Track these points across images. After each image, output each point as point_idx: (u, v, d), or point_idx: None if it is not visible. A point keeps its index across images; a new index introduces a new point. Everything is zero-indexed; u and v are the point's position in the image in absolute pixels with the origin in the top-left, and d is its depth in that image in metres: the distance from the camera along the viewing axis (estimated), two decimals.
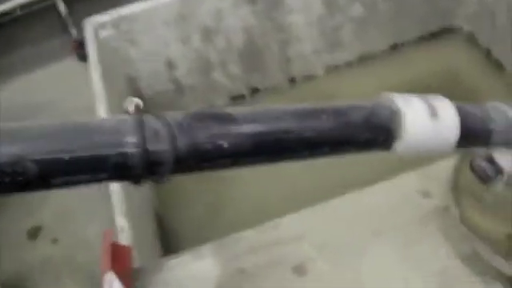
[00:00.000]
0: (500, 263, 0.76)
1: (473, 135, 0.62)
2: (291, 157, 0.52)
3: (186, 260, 0.86)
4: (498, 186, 0.77)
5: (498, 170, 0.75)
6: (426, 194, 0.90)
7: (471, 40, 1.59)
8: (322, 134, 0.51)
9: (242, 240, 0.87)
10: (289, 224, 0.88)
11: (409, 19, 1.52)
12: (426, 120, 0.57)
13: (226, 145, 0.47)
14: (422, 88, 1.24)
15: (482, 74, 1.50)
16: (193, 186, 1.36)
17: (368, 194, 0.91)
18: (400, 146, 0.56)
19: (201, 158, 0.46)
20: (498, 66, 1.50)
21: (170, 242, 1.26)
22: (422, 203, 0.89)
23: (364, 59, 1.57)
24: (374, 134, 0.54)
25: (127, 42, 1.31)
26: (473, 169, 0.77)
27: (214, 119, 0.47)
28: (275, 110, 0.50)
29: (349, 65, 1.56)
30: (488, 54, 1.54)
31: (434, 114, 0.58)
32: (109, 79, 1.27)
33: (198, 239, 0.89)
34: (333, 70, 1.55)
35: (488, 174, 0.76)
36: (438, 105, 0.59)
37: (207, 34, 1.37)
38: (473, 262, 0.81)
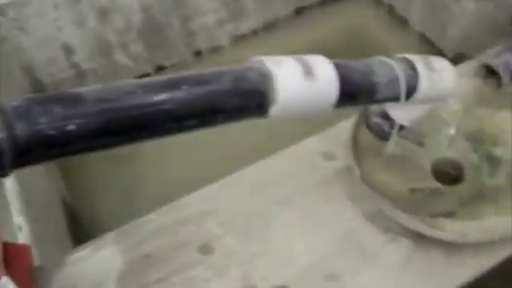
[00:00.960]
0: (404, 219, 0.75)
1: (355, 91, 0.60)
2: (154, 133, 0.48)
3: (89, 252, 0.82)
4: (395, 141, 0.76)
5: (393, 125, 0.74)
6: (329, 157, 0.89)
7: None
8: (183, 105, 0.48)
9: (145, 224, 0.84)
10: (193, 202, 0.86)
11: None
12: (300, 80, 0.55)
13: (73, 128, 0.43)
14: (328, 49, 1.22)
15: (387, 31, 1.50)
16: (104, 170, 1.31)
17: (272, 161, 0.89)
18: (275, 109, 0.54)
19: (47, 146, 0.42)
20: (402, 21, 1.50)
21: (85, 232, 1.21)
22: (326, 166, 0.88)
23: (269, 26, 1.54)
24: (243, 100, 0.52)
25: (17, 29, 1.24)
26: (369, 126, 0.75)
27: (58, 101, 0.43)
28: (127, 85, 0.46)
29: (254, 33, 1.53)
30: (391, 10, 1.54)
31: (308, 72, 0.55)
32: (3, 71, 1.21)
33: (116, 227, 0.85)
34: (238, 39, 1.52)
35: (384, 130, 0.75)
36: (313, 63, 0.57)
37: (103, 14, 1.32)
38: (378, 220, 0.81)
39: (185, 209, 0.84)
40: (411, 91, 0.66)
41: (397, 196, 0.80)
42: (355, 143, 0.81)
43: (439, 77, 0.68)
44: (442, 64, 0.69)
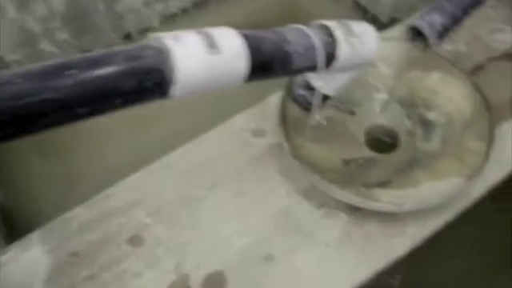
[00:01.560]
0: (337, 192, 0.72)
1: (267, 62, 0.57)
2: (43, 125, 0.44)
3: (13, 253, 0.77)
4: (319, 112, 0.73)
5: (318, 95, 0.70)
6: (259, 133, 0.85)
7: None
8: (70, 92, 0.43)
9: (71, 220, 0.79)
10: (119, 193, 0.81)
11: None
12: (203, 54, 0.51)
13: None
14: (262, 22, 1.18)
15: (321, 3, 1.47)
16: (38, 165, 1.25)
17: (201, 143, 0.86)
18: (177, 88, 0.49)
19: None
20: None
21: (21, 232, 1.15)
22: (257, 143, 0.84)
23: (200, 3, 1.49)
24: (139, 81, 0.47)
25: None
26: (293, 98, 0.72)
27: None
28: (6, 74, 0.42)
29: (185, 11, 1.48)
30: None
31: (212, 46, 0.51)
32: None
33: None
34: (169, 19, 1.46)
35: (309, 102, 0.71)
36: (218, 35, 0.52)
37: (22, 4, 1.25)
38: (313, 195, 0.78)
39: (111, 200, 0.80)
40: (330, 59, 0.63)
41: (329, 169, 0.77)
42: (283, 117, 0.77)
43: (360, 42, 0.65)
44: (362, 28, 0.66)
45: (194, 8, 1.46)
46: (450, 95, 0.82)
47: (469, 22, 0.93)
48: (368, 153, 0.81)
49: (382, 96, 0.84)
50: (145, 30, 1.42)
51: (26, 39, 1.29)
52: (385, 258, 0.73)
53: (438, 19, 0.75)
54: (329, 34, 0.63)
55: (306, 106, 0.72)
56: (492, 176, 0.79)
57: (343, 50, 0.63)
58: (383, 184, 0.75)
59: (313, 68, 0.62)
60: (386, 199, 0.73)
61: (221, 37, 0.53)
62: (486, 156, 0.75)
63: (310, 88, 0.71)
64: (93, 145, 1.26)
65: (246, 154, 0.83)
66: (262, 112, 0.86)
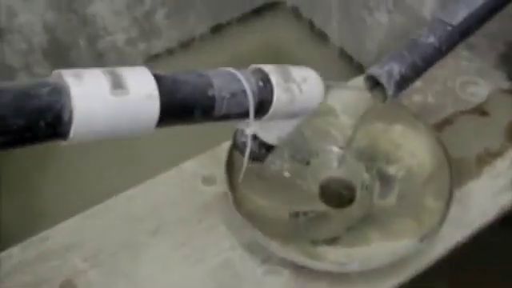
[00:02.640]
0: (278, 249, 0.67)
1: (183, 106, 0.53)
2: None
3: None
4: (269, 161, 0.69)
5: (261, 144, 0.67)
6: (209, 181, 0.81)
7: (296, 13, 1.52)
8: None
9: (6, 260, 0.75)
10: (57, 235, 0.77)
11: None
12: (106, 94, 0.47)
13: None
14: (247, 66, 1.14)
15: (307, 46, 1.44)
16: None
17: (149, 187, 0.81)
18: (75, 130, 0.46)
19: None
20: (322, 36, 1.45)
21: None
22: (206, 191, 0.80)
23: (185, 45, 1.47)
24: (30, 120, 0.44)
25: None
26: (236, 146, 0.68)
27: None
28: None
29: (170, 52, 1.46)
30: (311, 25, 1.49)
31: (118, 86, 0.48)
32: None
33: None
34: (153, 58, 1.44)
35: (253, 150, 0.67)
36: (127, 75, 0.49)
37: (0, 36, 1.23)
38: (256, 250, 0.73)
39: (48, 242, 0.76)
40: (265, 105, 0.59)
41: (276, 222, 0.73)
42: (230, 166, 0.73)
43: (299, 88, 0.61)
44: (304, 74, 0.63)
45: (179, 48, 1.44)
46: (412, 149, 0.78)
47: (441, 74, 0.89)
48: (320, 206, 0.76)
49: (341, 147, 0.80)
50: None
51: (4, 72, 1.28)
52: None
53: (396, 68, 0.71)
54: (264, 78, 0.59)
55: (250, 155, 0.68)
56: (451, 237, 0.74)
57: (280, 97, 0.59)
58: (332, 241, 0.71)
59: (244, 115, 0.58)
60: (332, 258, 0.68)
61: (129, 77, 0.49)
62: (444, 216, 0.70)
63: (253, 136, 0.67)
64: (60, 181, 1.22)
65: (193, 202, 0.79)
66: (215, 158, 0.82)
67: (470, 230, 0.75)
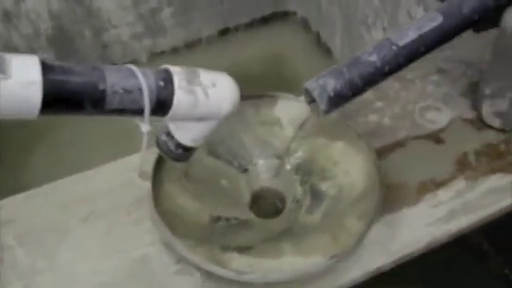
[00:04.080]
0: (183, 250, 0.68)
1: (73, 97, 0.54)
2: None
3: None
4: (186, 161, 0.70)
5: (178, 144, 0.67)
6: (147, 176, 0.81)
7: (305, 25, 1.52)
8: None
9: None
10: None
11: (238, 3, 1.44)
12: None
13: None
14: (247, 73, 1.16)
15: (311, 59, 1.44)
16: None
17: (90, 175, 0.83)
18: None
19: None
20: (327, 50, 1.44)
21: None
22: (142, 186, 0.81)
23: (191, 45, 1.49)
24: None
25: None
26: (157, 144, 0.69)
27: None
28: None
29: (175, 50, 1.48)
30: (318, 38, 1.48)
31: (1, 70, 0.50)
32: None
33: None
34: (157, 55, 1.46)
35: (170, 149, 0.68)
36: (11, 60, 0.51)
37: (8, 19, 1.28)
38: (174, 248, 0.73)
39: None
40: (164, 105, 0.60)
41: (193, 224, 0.73)
42: (159, 164, 0.74)
43: (207, 92, 0.61)
44: (214, 79, 0.63)
45: (184, 48, 1.46)
46: (348, 168, 0.77)
47: (404, 96, 0.88)
48: (245, 214, 0.76)
49: (280, 158, 0.79)
50: (131, 64, 1.43)
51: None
52: None
53: (331, 84, 0.70)
54: (167, 79, 0.60)
55: (168, 153, 0.69)
56: (371, 261, 0.73)
57: (181, 99, 0.60)
58: (243, 249, 0.70)
59: (139, 111, 0.59)
60: (235, 266, 0.68)
61: (15, 63, 0.51)
62: (361, 238, 0.69)
63: (170, 135, 0.68)
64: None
65: (128, 195, 0.80)
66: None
67: (393, 257, 0.73)
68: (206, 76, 0.62)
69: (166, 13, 1.40)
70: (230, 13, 1.48)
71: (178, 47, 1.48)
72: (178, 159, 0.70)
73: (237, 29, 1.51)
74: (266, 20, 1.52)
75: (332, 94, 0.70)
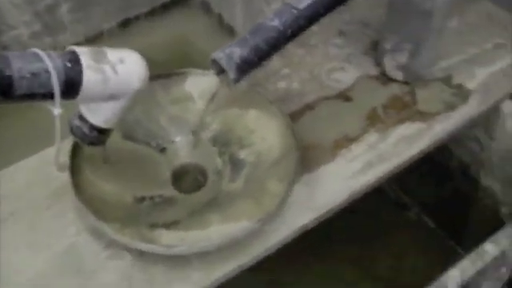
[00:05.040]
0: (111, 232, 0.67)
1: None
2: None
3: None
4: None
5: (92, 127, 0.66)
6: (65, 168, 0.80)
7: (205, 8, 1.53)
8: None
9: None
10: None
11: None
12: None
13: None
14: (155, 61, 1.14)
15: (215, 40, 1.44)
16: None
17: (10, 173, 0.81)
18: None
19: None
20: (230, 30, 1.45)
21: None
22: (61, 177, 0.79)
23: (92, 39, 1.47)
24: None
25: None
26: (71, 130, 0.68)
27: None
28: None
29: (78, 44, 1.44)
30: (220, 19, 1.49)
31: None
32: None
33: None
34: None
35: (85, 133, 0.67)
36: None
37: None
38: (102, 235, 0.72)
39: None
40: (74, 86, 0.59)
41: (118, 207, 0.73)
42: (75, 153, 0.73)
43: (113, 69, 0.61)
44: (121, 56, 0.63)
45: (86, 43, 1.43)
46: (263, 134, 0.78)
47: (309, 61, 0.90)
48: (169, 192, 0.76)
49: (197, 133, 0.80)
50: None
51: None
52: None
53: (237, 51, 0.71)
54: (73, 59, 0.59)
55: (83, 138, 0.68)
56: (296, 220, 0.74)
57: (89, 77, 0.59)
58: (170, 225, 0.71)
59: (49, 95, 0.58)
60: (165, 241, 0.68)
61: None
62: (284, 199, 0.71)
63: (83, 119, 0.67)
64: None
65: (48, 188, 0.78)
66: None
67: (316, 214, 0.75)
68: (113, 54, 0.62)
69: (64, 9, 1.37)
70: (129, 3, 1.46)
71: (79, 43, 1.45)
72: (93, 143, 0.69)
73: (138, 19, 1.50)
74: (166, 7, 1.51)
75: (239, 61, 0.71)
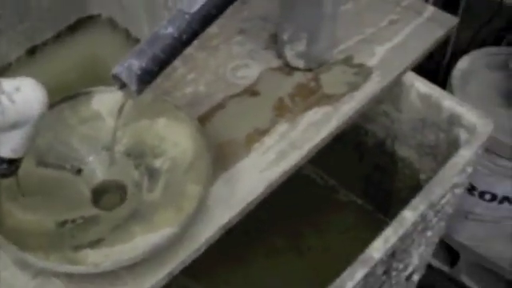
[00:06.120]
0: (34, 261, 0.67)
1: None
2: None
3: None
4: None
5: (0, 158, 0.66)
6: None
7: (112, 24, 1.52)
8: None
9: None
10: None
11: (40, 18, 1.42)
12: None
13: None
14: (65, 84, 1.13)
15: (124, 55, 1.44)
16: None
17: None
18: None
19: None
20: (138, 42, 1.45)
21: None
22: None
23: (1, 71, 1.44)
24: None
25: None
26: None
27: None
28: None
29: None
30: (128, 34, 1.49)
31: None
32: None
33: None
34: None
35: None
36: None
37: None
38: (28, 265, 0.72)
39: None
40: None
41: (40, 235, 0.73)
42: None
43: (12, 98, 0.61)
44: (17, 84, 0.63)
45: None
46: (175, 140, 0.80)
47: (213, 62, 0.92)
48: (90, 211, 0.76)
49: (110, 149, 0.80)
50: None
51: None
52: None
53: (136, 63, 0.72)
54: None
55: None
56: (220, 218, 0.76)
57: None
58: (95, 243, 0.71)
59: None
60: (91, 260, 0.68)
61: None
62: (202, 201, 0.72)
63: None
64: None
65: None
66: None
67: (237, 209, 0.77)
68: (7, 83, 0.62)
69: None
70: (33, 30, 1.44)
71: None
72: (4, 174, 0.69)
73: (45, 44, 1.48)
74: (72, 29, 1.50)
75: (139, 72, 0.72)
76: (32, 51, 1.47)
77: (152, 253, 0.70)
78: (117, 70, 0.73)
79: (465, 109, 0.96)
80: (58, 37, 1.49)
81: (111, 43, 1.49)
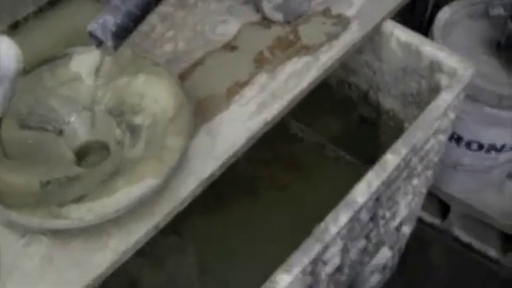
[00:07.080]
0: (20, 218, 0.68)
1: None
2: None
3: None
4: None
5: None
6: None
7: None
8: None
9: None
10: None
11: None
12: None
13: None
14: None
15: None
16: None
17: None
18: None
19: None
20: None
21: None
22: None
23: None
24: None
25: None
26: None
27: None
28: None
29: None
30: None
31: None
32: None
33: None
34: None
35: None
36: None
37: None
38: (15, 225, 0.73)
39: None
40: None
41: (25, 194, 0.73)
42: None
43: None
44: None
45: None
46: (155, 96, 0.80)
47: (191, 20, 0.92)
48: (74, 170, 0.77)
49: (91, 109, 0.81)
50: None
51: None
52: (86, 277, 0.69)
53: (111, 20, 0.73)
54: None
55: None
56: (203, 170, 0.77)
57: None
58: (79, 199, 0.72)
59: None
60: (75, 215, 0.69)
61: None
62: (183, 153, 0.73)
63: None
64: None
65: None
66: None
67: (220, 161, 0.78)
68: None
69: None
70: (15, 5, 1.44)
71: None
72: None
73: (27, 19, 1.47)
74: (53, 3, 1.49)
75: (114, 28, 0.73)
76: (14, 26, 1.47)
77: (136, 205, 0.70)
78: (92, 27, 0.73)
79: (445, 53, 0.96)
80: (40, 11, 1.49)
81: (93, 16, 1.48)
